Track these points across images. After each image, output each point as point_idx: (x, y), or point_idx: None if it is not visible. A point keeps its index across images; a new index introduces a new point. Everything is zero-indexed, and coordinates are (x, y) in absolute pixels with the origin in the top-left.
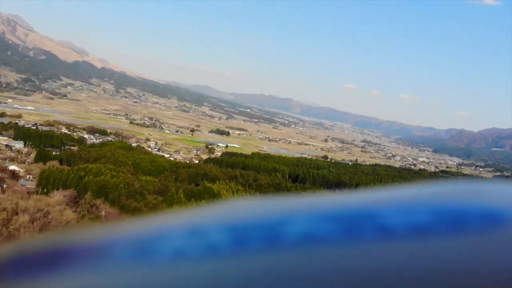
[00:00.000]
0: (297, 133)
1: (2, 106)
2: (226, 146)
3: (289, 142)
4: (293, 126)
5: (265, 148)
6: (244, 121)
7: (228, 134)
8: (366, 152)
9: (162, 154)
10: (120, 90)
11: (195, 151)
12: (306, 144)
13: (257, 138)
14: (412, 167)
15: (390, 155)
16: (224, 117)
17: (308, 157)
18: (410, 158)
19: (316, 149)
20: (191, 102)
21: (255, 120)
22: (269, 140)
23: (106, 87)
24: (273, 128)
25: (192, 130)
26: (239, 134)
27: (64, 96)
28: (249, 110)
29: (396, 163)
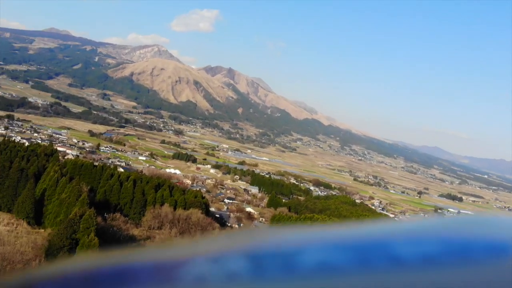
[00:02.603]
0: None
1: (243, 156)
2: (458, 212)
3: None
4: None
5: None
6: (480, 187)
7: (460, 200)
8: None
9: (387, 213)
10: (345, 147)
11: (422, 214)
12: None
13: (494, 206)
14: None
15: None
16: (457, 182)
17: None
18: None
19: None
20: (419, 163)
21: (494, 187)
22: (509, 209)
23: (332, 143)
24: None
25: (420, 193)
26: (474, 201)
27: (293, 150)
28: (486, 176)
29: None
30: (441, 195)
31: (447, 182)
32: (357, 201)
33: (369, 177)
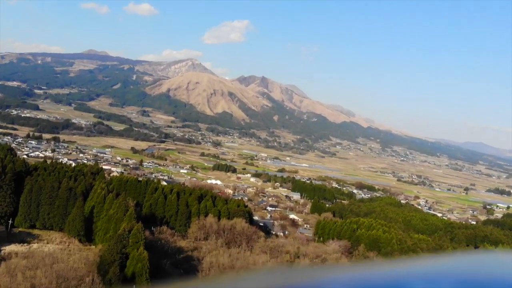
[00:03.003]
0: None
1: (282, 163)
2: (508, 207)
3: None
4: None
5: None
6: None
7: (509, 194)
8: None
9: (434, 212)
10: (386, 148)
11: (470, 211)
12: None
13: None
14: None
15: None
16: (504, 176)
17: None
18: None
19: None
20: (463, 160)
21: None
22: None
23: (372, 145)
24: None
25: (466, 189)
26: None
27: (333, 154)
28: None
29: None
30: (489, 190)
31: (494, 177)
32: (402, 201)
33: (413, 176)
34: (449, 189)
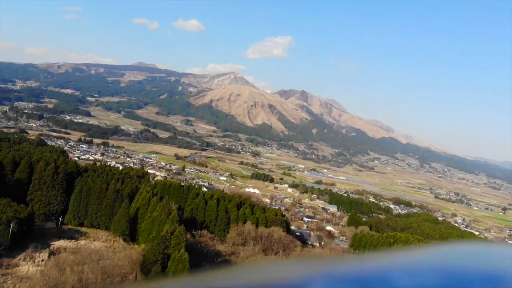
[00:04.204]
0: None
1: (319, 175)
2: None
3: None
4: None
5: None
6: None
7: None
8: None
9: (471, 230)
10: (424, 164)
11: (507, 231)
12: None
13: None
14: None
15: None
16: None
17: None
18: None
19: None
20: (502, 179)
21: None
22: None
23: (411, 161)
24: None
25: (504, 209)
26: None
27: (371, 169)
28: None
29: None
30: None
31: None
32: (439, 218)
33: (451, 194)
34: (486, 208)
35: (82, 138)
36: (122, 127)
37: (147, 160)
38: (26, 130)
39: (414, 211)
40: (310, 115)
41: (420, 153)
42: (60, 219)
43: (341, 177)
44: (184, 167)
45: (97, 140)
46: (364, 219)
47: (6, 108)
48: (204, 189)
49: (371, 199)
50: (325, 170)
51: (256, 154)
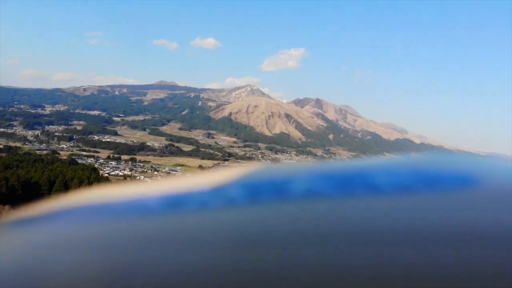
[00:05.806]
0: None
1: None
2: None
3: None
4: None
5: None
6: None
7: None
8: None
9: None
10: None
11: None
12: None
13: None
14: None
15: None
16: None
17: None
18: None
19: None
20: None
21: None
22: None
23: None
24: None
25: None
26: None
27: None
28: None
29: None
30: None
31: None
32: None
33: None
34: None
35: (111, 155)
36: (148, 143)
37: (173, 172)
38: (57, 151)
39: None
40: (325, 122)
41: (434, 152)
42: None
43: None
44: None
45: (124, 157)
46: None
47: (37, 132)
48: None
49: None
50: None
51: (276, 161)
